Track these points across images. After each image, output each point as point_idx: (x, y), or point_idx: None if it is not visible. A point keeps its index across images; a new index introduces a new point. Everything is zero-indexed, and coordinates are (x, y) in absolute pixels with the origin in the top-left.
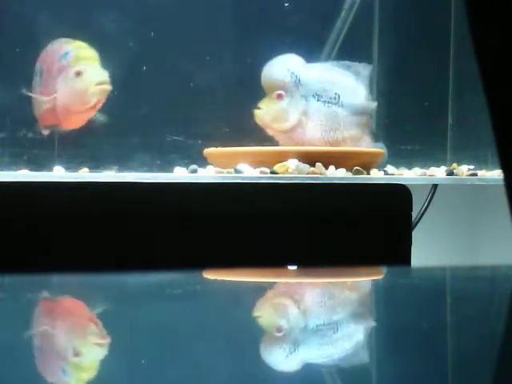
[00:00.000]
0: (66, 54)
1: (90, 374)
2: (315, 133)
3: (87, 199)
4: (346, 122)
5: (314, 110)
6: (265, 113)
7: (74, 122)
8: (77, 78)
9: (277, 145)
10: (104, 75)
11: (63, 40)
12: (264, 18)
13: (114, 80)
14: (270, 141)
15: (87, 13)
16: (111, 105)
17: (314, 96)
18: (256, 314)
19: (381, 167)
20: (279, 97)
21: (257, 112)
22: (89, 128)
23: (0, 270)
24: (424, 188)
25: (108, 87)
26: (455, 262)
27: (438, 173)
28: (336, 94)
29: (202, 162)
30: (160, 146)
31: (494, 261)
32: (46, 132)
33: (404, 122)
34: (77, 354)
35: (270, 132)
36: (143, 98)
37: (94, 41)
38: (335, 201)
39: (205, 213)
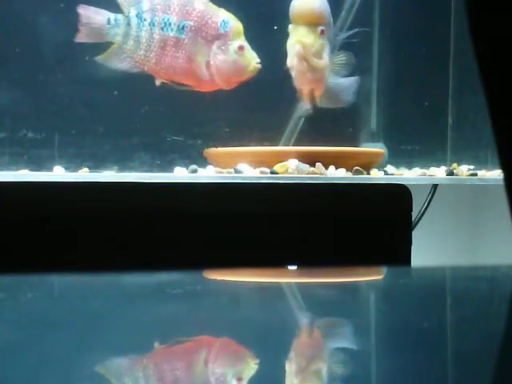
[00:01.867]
0: (225, 23)
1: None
2: (328, 75)
3: (87, 199)
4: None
5: (329, 51)
6: (310, 45)
7: (210, 87)
8: (240, 52)
9: (291, 78)
10: (256, 55)
11: (208, 3)
12: (264, 20)
13: (114, 80)
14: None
15: None
16: (112, 104)
17: (333, 36)
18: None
19: (381, 167)
20: (322, 33)
21: (303, 41)
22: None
23: (0, 270)
24: (424, 188)
25: (260, 67)
26: (455, 262)
27: (438, 173)
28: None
29: (202, 162)
30: (160, 146)
31: (494, 261)
32: (158, 83)
33: (404, 122)
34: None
35: (300, 66)
36: (143, 98)
37: None
38: (335, 201)
39: (205, 213)
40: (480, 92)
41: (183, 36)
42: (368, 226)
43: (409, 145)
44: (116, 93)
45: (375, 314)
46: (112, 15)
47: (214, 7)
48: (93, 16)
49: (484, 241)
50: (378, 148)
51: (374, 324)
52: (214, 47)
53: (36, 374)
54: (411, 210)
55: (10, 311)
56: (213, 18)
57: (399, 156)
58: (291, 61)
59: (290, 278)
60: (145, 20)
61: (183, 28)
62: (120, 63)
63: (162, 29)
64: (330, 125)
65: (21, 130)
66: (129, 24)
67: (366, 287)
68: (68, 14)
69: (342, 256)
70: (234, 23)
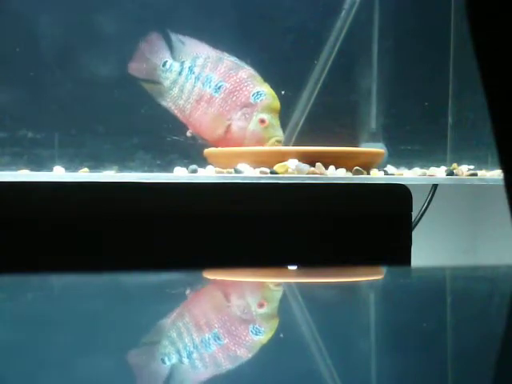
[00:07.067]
0: (259, 94)
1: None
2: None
3: (87, 199)
4: None
5: None
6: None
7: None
8: (261, 124)
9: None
10: (281, 133)
11: (251, 72)
12: (264, 18)
13: (116, 81)
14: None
15: None
16: (112, 104)
17: None
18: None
19: (381, 167)
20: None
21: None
22: None
23: (0, 270)
24: (424, 188)
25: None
26: (455, 262)
27: (438, 173)
28: None
29: (202, 162)
30: (160, 146)
31: (494, 261)
32: (189, 134)
33: (404, 122)
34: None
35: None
36: (142, 98)
37: None
38: (335, 201)
39: (205, 213)
40: (480, 92)
41: (217, 95)
42: (368, 225)
43: (409, 145)
44: (116, 92)
45: (375, 314)
46: (170, 60)
47: (257, 79)
48: (154, 51)
49: (484, 241)
50: (378, 148)
51: (373, 324)
52: (239, 113)
53: (36, 374)
54: (411, 210)
55: (10, 311)
56: (249, 87)
57: (399, 156)
58: None
59: (290, 277)
60: (193, 73)
61: (219, 88)
62: (163, 101)
63: (203, 84)
64: (330, 125)
65: (21, 130)
66: (180, 73)
67: (366, 287)
68: (68, 14)
69: (342, 256)
70: (267, 98)
